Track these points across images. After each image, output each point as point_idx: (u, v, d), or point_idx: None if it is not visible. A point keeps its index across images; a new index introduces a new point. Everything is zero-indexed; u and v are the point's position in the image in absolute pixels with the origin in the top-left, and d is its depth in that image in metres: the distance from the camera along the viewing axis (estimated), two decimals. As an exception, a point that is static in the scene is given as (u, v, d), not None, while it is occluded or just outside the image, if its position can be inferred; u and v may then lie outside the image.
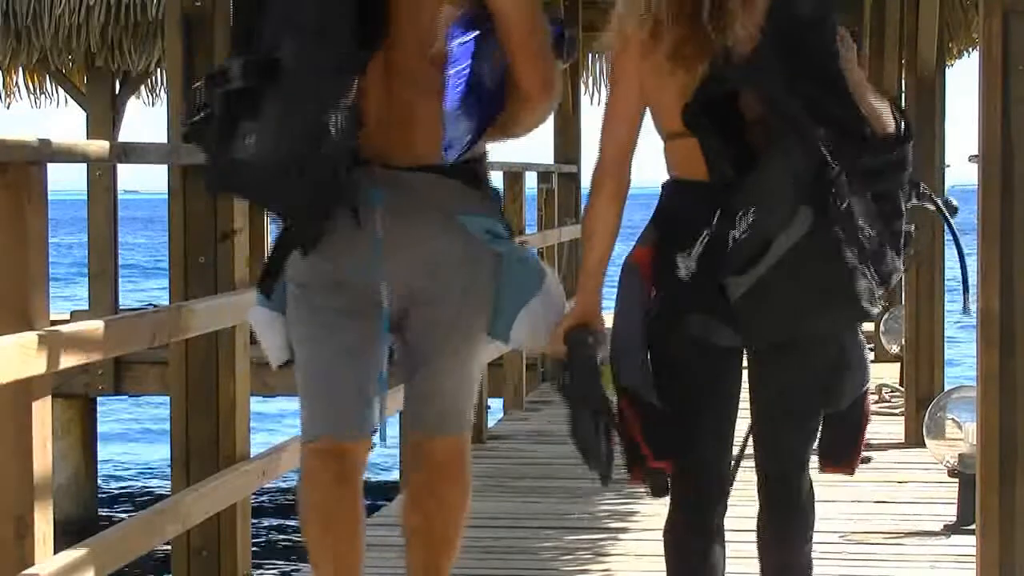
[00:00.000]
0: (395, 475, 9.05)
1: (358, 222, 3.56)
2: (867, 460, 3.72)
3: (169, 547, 4.72)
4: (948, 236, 3.97)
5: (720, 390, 3.62)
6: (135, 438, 18.94)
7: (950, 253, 7.87)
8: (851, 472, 3.68)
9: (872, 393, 4.14)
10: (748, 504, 3.85)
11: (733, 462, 3.71)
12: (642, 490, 3.71)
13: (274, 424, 18.02)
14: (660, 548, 4.79)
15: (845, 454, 3.66)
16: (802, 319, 3.46)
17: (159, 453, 16.64)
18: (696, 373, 3.57)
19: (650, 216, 3.66)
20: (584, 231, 3.62)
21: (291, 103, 3.45)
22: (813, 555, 3.84)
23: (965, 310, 3.57)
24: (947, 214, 3.71)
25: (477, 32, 3.54)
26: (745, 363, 3.64)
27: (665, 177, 3.63)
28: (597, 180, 3.60)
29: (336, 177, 3.49)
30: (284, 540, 12.79)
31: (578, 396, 3.69)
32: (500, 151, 5.03)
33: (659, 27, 3.41)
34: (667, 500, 3.77)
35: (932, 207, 3.58)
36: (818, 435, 3.66)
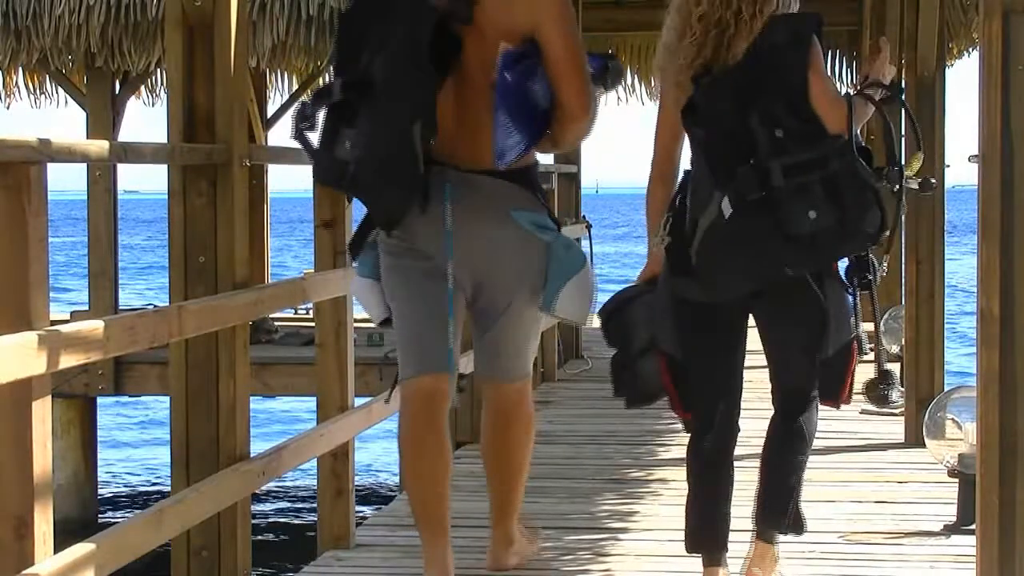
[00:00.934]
0: (395, 479, 9.06)
1: (427, 210, 4.56)
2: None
3: (169, 547, 4.72)
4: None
5: (711, 339, 4.63)
6: (135, 438, 18.94)
7: (950, 254, 7.87)
8: (837, 406, 4.71)
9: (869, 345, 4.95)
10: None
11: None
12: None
13: (274, 424, 18.03)
14: (661, 548, 5.20)
15: (833, 392, 4.67)
16: (723, 279, 4.46)
17: (159, 453, 16.65)
18: (691, 326, 4.58)
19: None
20: (647, 207, 4.74)
21: (381, 115, 4.42)
22: (813, 555, 4.86)
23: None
24: (917, 191, 4.85)
25: (530, 60, 4.51)
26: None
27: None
28: (653, 168, 4.72)
29: (416, 175, 4.44)
30: (284, 540, 12.79)
31: (623, 335, 4.72)
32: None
33: (679, 54, 4.60)
34: (673, 505, 4.92)
35: (896, 185, 4.49)
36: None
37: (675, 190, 4.68)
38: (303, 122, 4.56)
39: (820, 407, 4.74)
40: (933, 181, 5.00)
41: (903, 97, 5.08)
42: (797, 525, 4.80)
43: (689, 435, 4.73)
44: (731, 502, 4.72)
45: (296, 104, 4.94)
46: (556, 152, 5.16)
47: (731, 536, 4.74)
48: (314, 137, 4.56)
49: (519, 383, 4.95)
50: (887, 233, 4.46)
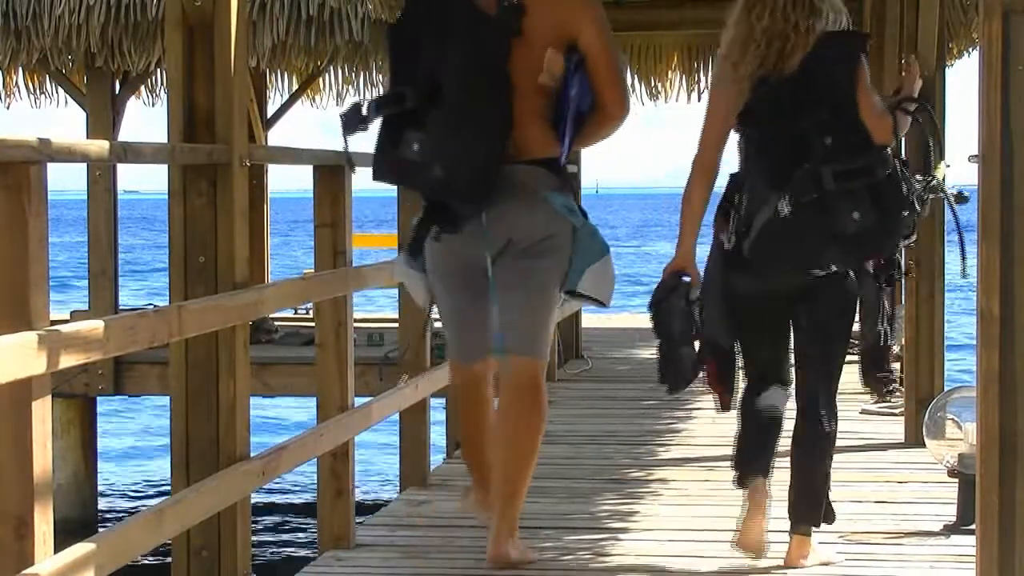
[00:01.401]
0: (394, 479, 9.05)
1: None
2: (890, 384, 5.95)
3: (169, 547, 4.72)
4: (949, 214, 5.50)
5: (761, 324, 5.26)
6: (135, 438, 18.93)
7: (950, 255, 7.98)
8: (880, 392, 5.78)
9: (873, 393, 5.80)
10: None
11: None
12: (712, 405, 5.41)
13: (274, 424, 18.02)
14: (661, 548, 5.25)
15: (872, 380, 5.65)
16: (775, 271, 5.10)
17: (159, 453, 16.65)
18: (744, 313, 5.21)
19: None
20: (684, 202, 5.21)
21: (457, 122, 4.87)
22: (812, 556, 5.11)
23: (964, 274, 4.72)
24: (952, 202, 5.38)
25: (573, 68, 5.00)
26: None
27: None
28: (695, 167, 5.22)
29: (495, 184, 4.94)
30: (284, 540, 12.79)
31: (676, 328, 5.17)
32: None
33: (740, 64, 5.14)
34: (673, 505, 4.88)
35: (941, 195, 5.20)
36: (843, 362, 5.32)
37: (713, 191, 5.21)
38: (360, 124, 4.95)
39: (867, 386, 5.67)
40: (967, 194, 5.37)
41: (931, 109, 5.54)
42: (829, 516, 5.36)
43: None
44: (774, 437, 5.34)
45: (347, 106, 5.00)
46: (585, 147, 5.41)
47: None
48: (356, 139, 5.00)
49: (534, 361, 5.18)
50: (914, 235, 5.15)
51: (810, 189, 4.94)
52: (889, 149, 5.08)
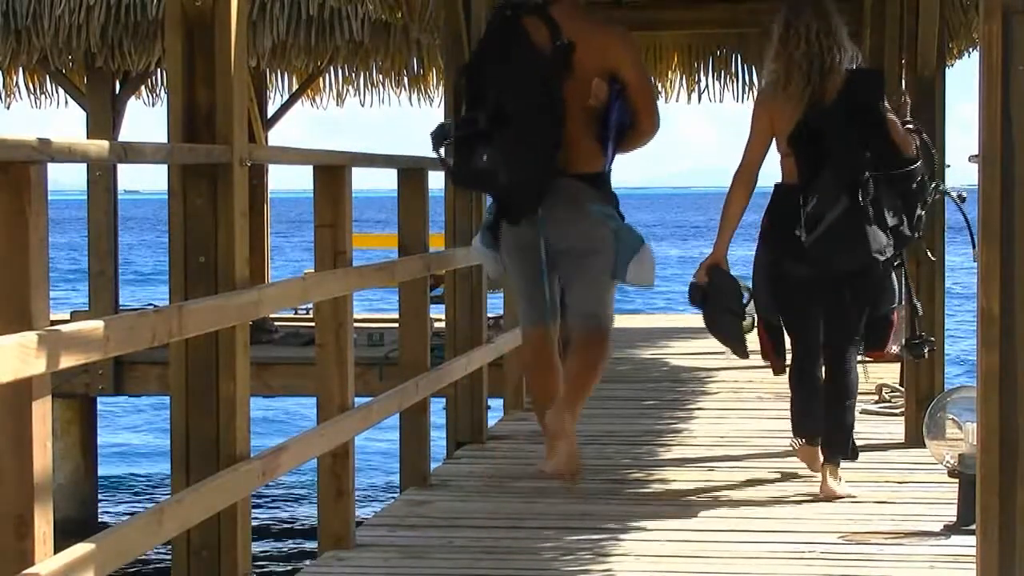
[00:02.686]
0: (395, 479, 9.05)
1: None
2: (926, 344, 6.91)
3: (169, 547, 4.72)
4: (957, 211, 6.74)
5: (809, 303, 6.45)
6: (135, 438, 18.94)
7: (951, 256, 7.98)
8: (883, 351, 6.68)
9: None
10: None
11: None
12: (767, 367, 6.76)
13: (274, 424, 18.03)
14: (661, 548, 5.28)
15: (878, 343, 6.58)
16: (839, 258, 6.30)
17: (159, 453, 16.65)
18: (794, 295, 6.45)
19: (763, 208, 6.50)
20: (725, 205, 6.45)
21: (518, 139, 5.99)
22: (813, 555, 5.30)
23: (976, 259, 5.49)
24: (958, 202, 6.72)
25: (615, 95, 6.07)
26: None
27: (775, 182, 6.50)
28: (739, 176, 6.45)
29: (548, 187, 6.05)
30: (284, 540, 12.80)
31: (720, 304, 6.42)
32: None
33: (789, 87, 6.33)
34: (674, 505, 6.00)
35: (948, 195, 6.66)
36: (861, 332, 6.52)
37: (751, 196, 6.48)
38: (444, 140, 6.17)
39: (871, 355, 7.05)
40: (965, 195, 6.80)
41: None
42: (854, 452, 6.62)
43: (791, 363, 6.55)
44: (820, 403, 6.51)
45: (435, 127, 6.28)
46: (624, 154, 6.40)
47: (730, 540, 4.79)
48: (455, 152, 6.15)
49: (605, 323, 6.28)
50: (919, 233, 6.50)
51: (855, 200, 6.22)
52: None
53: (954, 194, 6.67)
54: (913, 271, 7.73)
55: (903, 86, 8.32)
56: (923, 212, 6.44)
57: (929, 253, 7.44)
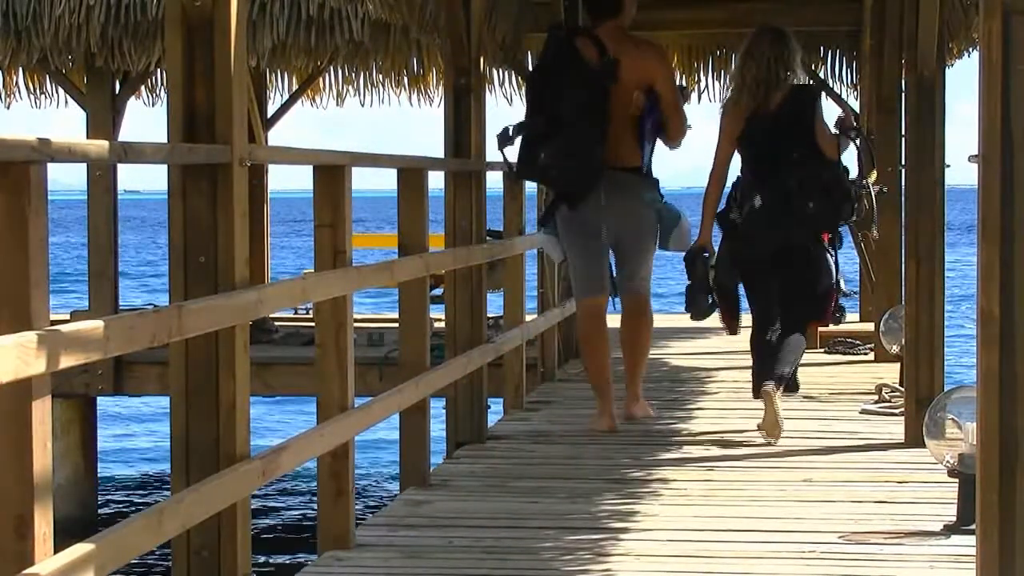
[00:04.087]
0: (393, 487, 9.05)
1: (592, 194, 7.83)
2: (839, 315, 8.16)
3: (169, 547, 4.72)
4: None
5: (760, 279, 7.86)
6: (135, 438, 18.94)
7: (950, 256, 8.12)
8: (824, 323, 8.37)
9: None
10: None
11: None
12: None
13: (275, 424, 18.03)
14: (661, 548, 5.35)
15: (818, 316, 8.02)
16: (785, 247, 7.70)
17: (159, 453, 16.65)
18: (750, 276, 7.86)
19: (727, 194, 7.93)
20: (704, 200, 7.89)
21: (571, 139, 7.54)
22: (813, 555, 5.56)
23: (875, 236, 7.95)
24: (875, 196, 7.87)
25: (650, 106, 7.74)
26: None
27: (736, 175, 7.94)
28: (712, 175, 7.88)
29: (600, 176, 7.66)
30: (285, 540, 12.79)
31: (697, 282, 7.85)
32: (499, 153, 8.05)
33: (739, 99, 7.77)
34: (674, 505, 6.26)
35: (870, 189, 7.78)
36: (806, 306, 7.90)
37: (727, 190, 7.80)
38: (506, 141, 7.71)
39: (810, 327, 8.67)
40: (886, 189, 8.62)
41: (866, 134, 8.42)
42: (793, 386, 8.10)
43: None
44: (775, 359, 7.70)
45: (500, 130, 7.74)
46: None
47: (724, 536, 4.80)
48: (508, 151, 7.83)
49: (644, 295, 8.16)
50: (855, 217, 7.76)
51: (780, 188, 7.61)
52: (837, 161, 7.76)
53: (874, 189, 7.86)
54: (913, 271, 7.75)
55: (903, 85, 8.58)
56: (848, 203, 7.67)
57: (876, 233, 8.87)
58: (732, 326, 8.03)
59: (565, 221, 7.85)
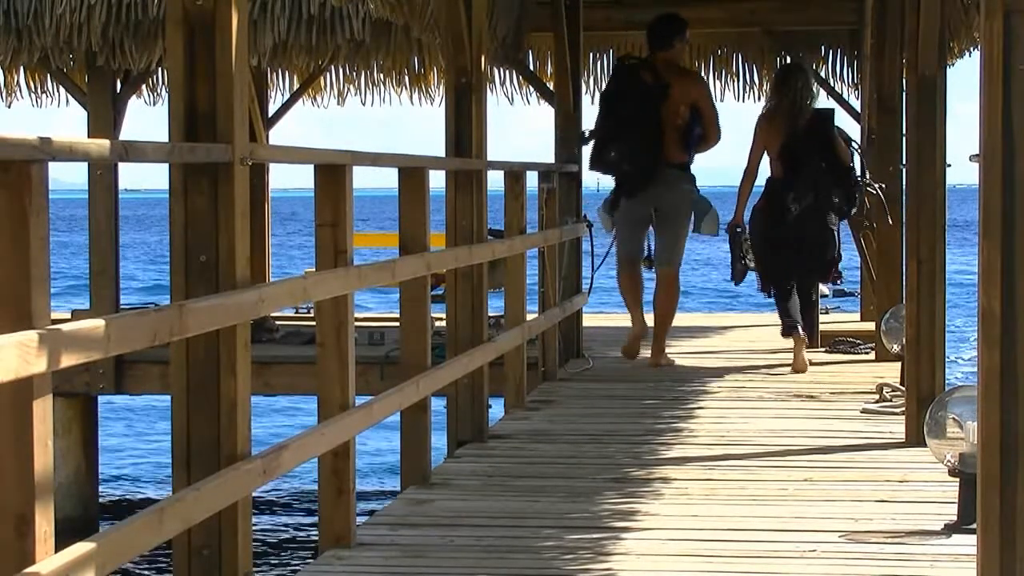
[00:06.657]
0: (395, 485, 9.05)
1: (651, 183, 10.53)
2: (838, 279, 10.98)
3: (170, 546, 4.72)
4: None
5: (785, 258, 10.36)
6: (136, 437, 18.93)
7: (951, 256, 8.34)
8: (827, 280, 10.98)
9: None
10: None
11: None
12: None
13: (276, 424, 18.02)
14: (661, 547, 5.35)
15: (825, 276, 10.69)
16: (805, 228, 10.25)
17: (160, 452, 16.64)
18: (777, 249, 10.34)
19: (761, 192, 10.55)
20: (739, 192, 10.49)
21: (639, 142, 10.31)
22: (813, 554, 5.56)
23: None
24: (875, 188, 10.72)
25: (693, 119, 10.44)
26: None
27: (766, 176, 10.49)
28: (746, 174, 10.44)
29: (654, 167, 10.36)
30: (285, 539, 12.79)
31: (735, 251, 10.53)
32: (500, 153, 7.91)
33: (774, 117, 10.43)
34: (674, 504, 6.32)
35: (872, 189, 10.69)
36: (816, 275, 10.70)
37: (755, 187, 10.36)
38: (583, 141, 10.82)
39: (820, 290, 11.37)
40: (884, 186, 10.77)
41: (856, 147, 11.03)
42: (814, 339, 11.03)
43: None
44: (796, 308, 10.34)
45: (579, 134, 10.95)
46: (699, 154, 10.69)
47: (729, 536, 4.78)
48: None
49: (674, 270, 10.69)
50: (857, 206, 10.57)
51: (809, 186, 10.25)
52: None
53: (875, 187, 10.62)
54: (913, 270, 7.76)
55: (903, 85, 8.73)
56: (858, 197, 10.49)
57: (890, 220, 10.65)
58: (765, 286, 10.49)
59: (622, 208, 10.56)
